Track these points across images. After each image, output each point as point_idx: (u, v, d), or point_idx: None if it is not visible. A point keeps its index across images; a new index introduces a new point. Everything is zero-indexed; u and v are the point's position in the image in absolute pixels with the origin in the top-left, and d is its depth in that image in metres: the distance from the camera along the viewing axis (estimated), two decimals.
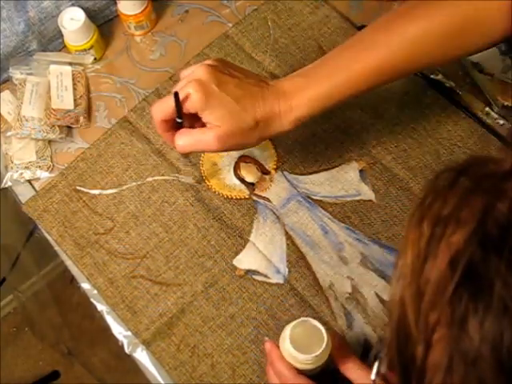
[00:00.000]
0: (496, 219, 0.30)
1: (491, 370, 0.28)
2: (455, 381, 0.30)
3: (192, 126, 0.58)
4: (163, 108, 0.57)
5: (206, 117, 0.56)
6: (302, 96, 0.57)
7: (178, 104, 0.55)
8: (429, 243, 0.32)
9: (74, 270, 0.70)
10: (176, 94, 0.55)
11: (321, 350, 0.53)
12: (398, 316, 0.33)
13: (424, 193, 0.35)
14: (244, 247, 0.70)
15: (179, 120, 0.57)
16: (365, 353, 0.64)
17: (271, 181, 0.73)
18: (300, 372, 0.55)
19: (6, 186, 0.75)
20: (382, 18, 0.59)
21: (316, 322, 0.54)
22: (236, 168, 0.73)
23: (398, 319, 0.33)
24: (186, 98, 0.55)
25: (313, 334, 0.54)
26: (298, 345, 0.53)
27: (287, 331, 0.54)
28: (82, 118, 0.76)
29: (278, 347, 0.56)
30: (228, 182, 0.73)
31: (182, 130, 0.57)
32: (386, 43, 0.57)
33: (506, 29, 0.55)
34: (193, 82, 0.55)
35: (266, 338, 0.60)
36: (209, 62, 0.58)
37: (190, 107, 0.55)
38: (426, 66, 0.63)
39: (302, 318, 0.55)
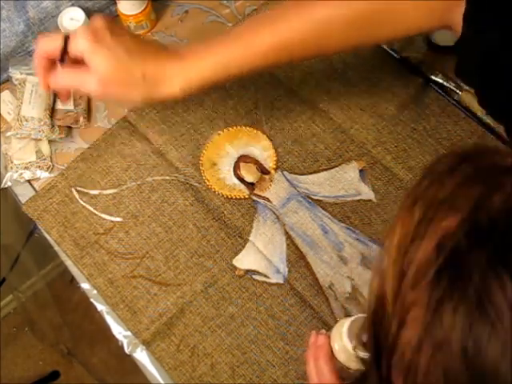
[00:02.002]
0: (488, 211, 0.30)
1: (456, 357, 0.29)
2: (422, 361, 0.30)
3: None
4: (50, 46, 0.56)
5: (91, 61, 0.55)
6: (195, 61, 0.56)
7: (65, 47, 0.55)
8: (418, 224, 0.32)
9: (74, 270, 0.70)
10: (66, 38, 0.55)
11: None
12: (377, 291, 0.33)
13: (422, 175, 0.35)
14: (244, 247, 0.70)
15: (61, 63, 0.57)
16: None
17: (271, 181, 0.73)
18: (342, 374, 0.54)
19: (6, 186, 0.75)
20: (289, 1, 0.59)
21: None
22: (236, 168, 0.73)
23: (377, 295, 0.33)
24: (76, 39, 0.55)
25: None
26: (353, 342, 0.51)
27: (345, 327, 0.52)
28: (81, 118, 0.76)
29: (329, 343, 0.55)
30: (228, 181, 0.73)
31: (66, 68, 0.57)
32: (288, 23, 0.56)
33: (421, 27, 0.56)
34: (86, 27, 0.55)
35: (313, 332, 0.57)
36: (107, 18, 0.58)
37: (77, 48, 0.55)
38: (330, 52, 0.63)
39: (360, 315, 0.53)
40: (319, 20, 0.56)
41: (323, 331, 0.58)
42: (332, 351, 0.54)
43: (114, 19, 0.58)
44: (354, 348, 0.51)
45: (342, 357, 0.53)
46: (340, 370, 0.54)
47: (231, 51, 0.56)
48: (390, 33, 0.57)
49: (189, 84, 0.57)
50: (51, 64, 0.57)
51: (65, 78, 0.56)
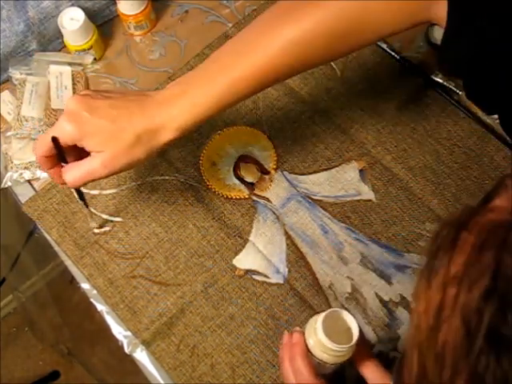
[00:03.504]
0: (506, 274, 0.30)
1: None
2: None
3: (80, 158, 0.56)
4: (41, 147, 0.55)
5: (86, 146, 0.54)
6: (181, 104, 0.55)
7: (59, 148, 0.55)
8: (441, 306, 0.32)
9: (74, 270, 0.70)
10: (54, 139, 0.54)
11: (355, 340, 0.51)
12: (417, 367, 0.33)
13: (429, 252, 0.34)
14: (244, 247, 0.70)
15: (64, 164, 0.56)
16: None
17: (271, 181, 0.73)
18: (319, 371, 0.54)
19: (6, 186, 0.75)
20: (261, 17, 0.57)
21: (346, 313, 0.53)
22: (236, 168, 0.73)
23: (418, 370, 0.33)
24: (61, 132, 0.54)
25: (339, 325, 0.53)
26: (328, 336, 0.52)
27: (319, 322, 0.52)
28: None
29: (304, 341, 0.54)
30: (228, 181, 0.73)
31: (69, 165, 0.56)
32: (264, 47, 0.54)
33: (395, 29, 0.54)
34: (64, 115, 0.54)
35: (286, 332, 0.57)
36: (80, 92, 0.56)
37: (66, 140, 0.54)
38: (313, 66, 0.60)
39: (332, 309, 0.53)
40: (292, 39, 0.54)
41: (297, 328, 0.57)
42: (307, 348, 0.54)
43: (91, 90, 0.56)
44: (330, 341, 0.51)
45: (317, 352, 0.53)
46: (316, 366, 0.54)
47: (214, 84, 0.55)
48: (368, 38, 0.56)
49: (183, 128, 0.55)
50: (55, 160, 0.57)
51: (75, 176, 0.55)
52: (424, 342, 0.33)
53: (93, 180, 0.55)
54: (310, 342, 0.54)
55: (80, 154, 0.55)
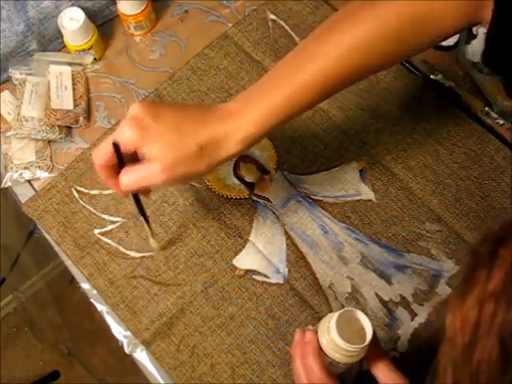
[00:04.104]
0: None
1: None
2: None
3: None
4: (102, 154, 0.54)
5: (146, 152, 0.52)
6: (246, 115, 0.54)
7: (120, 155, 0.53)
8: (478, 323, 0.31)
9: (74, 270, 0.70)
10: (115, 145, 0.53)
11: (368, 340, 0.51)
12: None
13: (466, 267, 0.34)
14: (244, 247, 0.70)
15: (121, 168, 0.54)
16: None
17: (271, 181, 0.73)
18: (330, 370, 0.53)
19: (6, 186, 0.75)
20: (321, 27, 0.57)
21: (360, 313, 0.53)
22: (236, 168, 0.73)
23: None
24: (123, 137, 0.52)
25: (353, 325, 0.53)
26: (341, 336, 0.51)
27: (333, 322, 0.52)
28: (81, 118, 0.76)
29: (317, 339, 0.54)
30: (228, 181, 0.73)
31: (125, 168, 0.54)
32: (325, 54, 0.54)
33: (456, 25, 0.54)
34: (127, 120, 0.52)
35: (298, 330, 0.57)
36: (143, 101, 0.56)
37: (127, 146, 0.52)
38: (376, 71, 0.60)
39: (346, 309, 0.53)
40: (352, 45, 0.53)
41: (310, 327, 0.57)
42: (320, 347, 0.54)
43: (152, 100, 0.54)
44: (343, 341, 0.51)
45: (330, 351, 0.53)
46: (328, 366, 0.54)
47: (276, 94, 0.54)
48: (427, 40, 0.55)
49: (247, 140, 0.54)
50: (115, 169, 0.55)
51: (130, 179, 0.53)
52: (459, 359, 0.32)
53: (148, 185, 0.54)
54: (323, 341, 0.54)
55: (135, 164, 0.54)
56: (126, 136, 0.52)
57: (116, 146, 0.52)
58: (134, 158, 0.53)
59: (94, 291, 0.69)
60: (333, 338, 0.52)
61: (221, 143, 0.53)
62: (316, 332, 0.55)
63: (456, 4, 0.52)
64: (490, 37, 0.50)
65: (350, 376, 0.57)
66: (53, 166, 0.75)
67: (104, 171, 0.55)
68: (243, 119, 0.54)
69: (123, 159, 0.53)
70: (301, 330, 0.57)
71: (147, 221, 0.64)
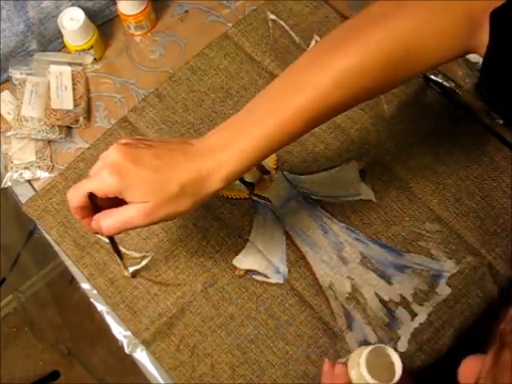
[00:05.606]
0: None
1: None
2: None
3: (114, 204, 0.53)
4: (77, 197, 0.52)
5: (128, 197, 0.51)
6: (229, 151, 0.51)
7: (115, 245, 0.54)
8: None
9: (74, 270, 0.70)
10: (111, 239, 0.53)
11: (397, 378, 0.52)
12: None
13: (493, 350, 0.33)
14: (244, 247, 0.70)
15: (97, 211, 0.54)
16: None
17: (271, 181, 0.73)
18: None
19: (6, 186, 0.75)
20: (308, 52, 0.54)
21: (391, 350, 0.53)
22: None
23: None
24: (103, 185, 0.51)
25: (382, 361, 0.53)
26: (370, 371, 0.52)
27: (363, 357, 0.52)
28: (81, 118, 0.76)
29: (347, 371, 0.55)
30: None
31: (106, 211, 0.52)
32: (314, 83, 0.51)
33: (447, 56, 0.51)
34: (107, 167, 0.51)
35: (327, 360, 0.57)
36: (121, 141, 0.54)
37: (108, 192, 0.51)
38: (368, 98, 0.57)
39: (377, 345, 0.54)
40: (343, 73, 0.51)
41: (340, 360, 0.58)
42: (350, 381, 0.55)
43: (133, 139, 0.54)
44: (371, 378, 0.52)
45: None
46: None
47: (259, 130, 0.52)
48: (429, 61, 0.53)
49: (230, 176, 0.53)
50: (89, 210, 0.54)
51: (113, 223, 0.52)
52: None
53: (130, 228, 0.53)
54: (352, 375, 0.55)
55: (114, 200, 0.53)
56: (107, 184, 0.51)
57: (92, 196, 0.52)
58: (112, 198, 0.52)
59: (94, 291, 0.69)
60: (361, 373, 0.53)
61: (203, 182, 0.52)
62: (346, 365, 0.56)
63: (449, 37, 0.50)
64: (485, 70, 0.49)
65: None
66: (53, 166, 0.75)
67: (79, 213, 0.54)
68: (226, 155, 0.52)
69: (98, 206, 0.53)
70: (329, 361, 0.58)
71: (121, 257, 0.64)
